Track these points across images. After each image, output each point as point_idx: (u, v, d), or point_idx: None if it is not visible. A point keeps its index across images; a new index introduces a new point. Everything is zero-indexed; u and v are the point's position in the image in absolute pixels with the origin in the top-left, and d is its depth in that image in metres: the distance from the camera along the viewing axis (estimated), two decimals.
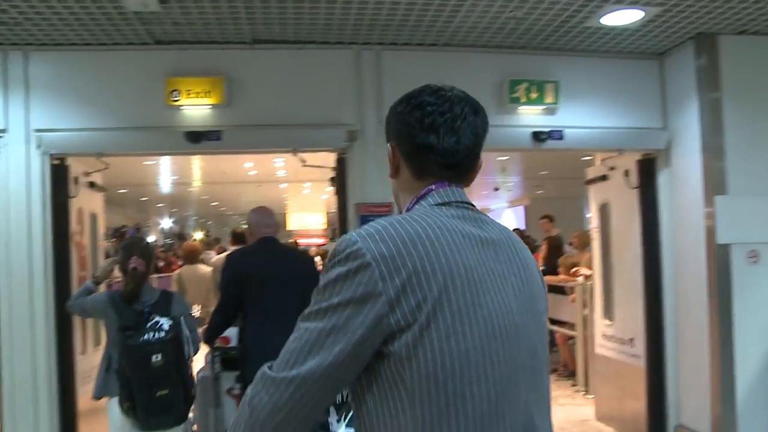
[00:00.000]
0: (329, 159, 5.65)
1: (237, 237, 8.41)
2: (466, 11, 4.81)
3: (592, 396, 7.25)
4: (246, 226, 4.74)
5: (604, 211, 6.64)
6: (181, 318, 3.81)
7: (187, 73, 5.24)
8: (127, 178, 14.73)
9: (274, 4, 4.61)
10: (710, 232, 5.32)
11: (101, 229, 6.34)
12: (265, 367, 1.35)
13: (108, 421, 3.93)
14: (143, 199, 22.61)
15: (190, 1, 4.50)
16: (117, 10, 4.58)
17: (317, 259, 8.63)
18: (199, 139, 5.21)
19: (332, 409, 2.10)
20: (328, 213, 21.70)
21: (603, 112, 5.73)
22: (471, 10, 4.78)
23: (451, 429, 1.28)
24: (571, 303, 8.26)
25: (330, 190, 5.77)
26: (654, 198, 5.86)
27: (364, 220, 5.15)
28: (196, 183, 17.81)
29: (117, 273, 4.16)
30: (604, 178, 6.48)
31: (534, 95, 5.55)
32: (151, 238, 26.65)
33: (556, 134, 5.60)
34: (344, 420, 1.67)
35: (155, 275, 13.68)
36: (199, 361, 4.88)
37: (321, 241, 22.28)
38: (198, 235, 26.88)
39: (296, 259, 4.69)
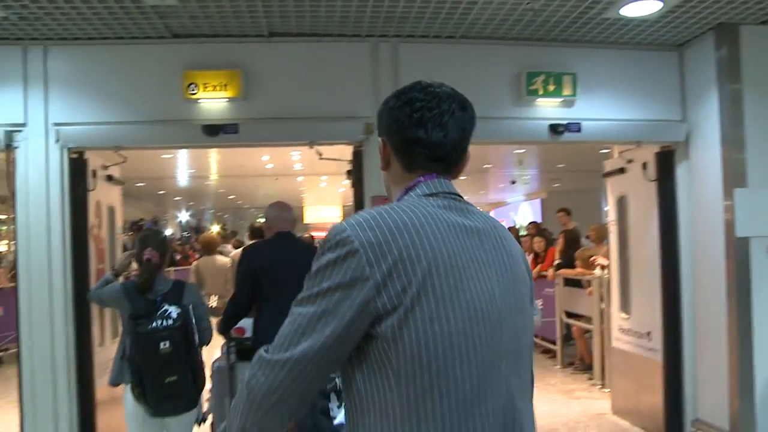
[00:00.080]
0: (346, 152, 5.66)
1: (255, 231, 8.45)
2: (483, 3, 4.79)
3: (609, 390, 7.23)
4: (263, 221, 4.78)
5: (621, 204, 6.60)
6: (190, 306, 3.88)
7: (204, 67, 5.26)
8: (144, 172, 14.84)
9: None
10: (729, 225, 5.27)
11: (119, 223, 6.39)
12: (261, 350, 1.43)
13: (124, 408, 4.02)
14: (161, 192, 22.73)
15: None
16: (135, 4, 4.61)
17: None
18: (216, 132, 5.23)
19: (333, 395, 2.10)
20: (344, 206, 21.72)
21: (621, 104, 5.69)
22: (488, 1, 4.76)
23: (434, 408, 1.36)
24: (588, 296, 8.23)
25: (347, 183, 5.77)
26: (672, 191, 5.81)
27: None
28: (213, 176, 17.89)
29: (135, 265, 4.25)
30: (621, 170, 6.43)
31: (551, 87, 5.52)
32: (168, 232, 26.82)
33: (573, 127, 5.57)
34: (344, 406, 1.68)
35: (172, 268, 13.80)
36: (215, 351, 4.94)
37: None
38: (215, 228, 27.00)
39: (311, 253, 4.71)
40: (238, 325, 4.58)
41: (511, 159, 15.67)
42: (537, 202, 24.25)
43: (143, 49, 5.30)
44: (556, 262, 9.40)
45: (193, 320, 3.86)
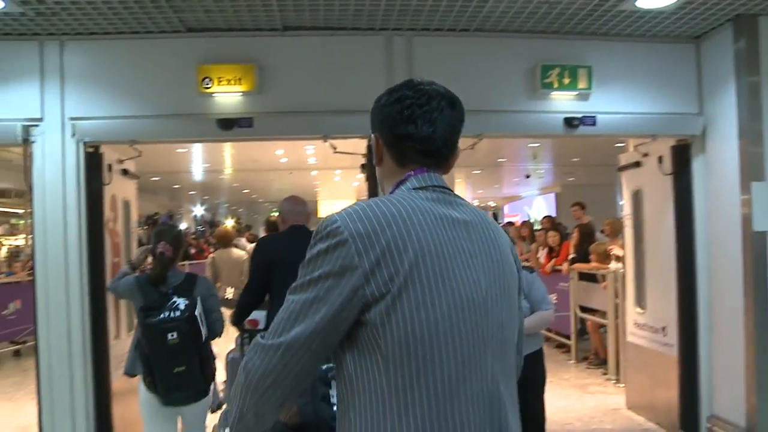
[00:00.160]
0: (360, 146, 5.65)
1: (270, 225, 8.50)
2: None
3: (623, 385, 7.20)
4: (278, 214, 4.82)
5: (637, 198, 6.56)
6: (198, 299, 3.93)
7: (218, 61, 5.27)
8: (159, 166, 14.92)
9: None
10: (746, 220, 5.22)
11: (134, 217, 6.43)
12: (258, 337, 1.53)
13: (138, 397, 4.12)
14: (175, 186, 22.87)
15: None
16: None
17: None
18: (230, 126, 5.25)
19: (333, 383, 2.10)
20: (358, 200, 21.71)
21: (637, 98, 5.64)
22: None
23: (421, 390, 1.44)
24: (602, 291, 8.20)
25: (361, 177, 5.77)
26: (688, 184, 5.76)
27: None
28: (228, 170, 17.96)
29: (151, 259, 4.33)
30: (637, 164, 6.39)
31: (567, 81, 5.49)
32: (183, 226, 26.97)
33: (588, 120, 5.53)
34: (336, 389, 1.70)
35: (187, 262, 13.88)
36: (231, 344, 4.97)
37: None
38: (229, 222, 27.12)
39: None
40: (252, 317, 4.62)
41: (526, 153, 15.63)
42: (551, 196, 24.18)
43: (158, 43, 5.32)
44: (571, 256, 9.36)
45: (202, 312, 3.92)
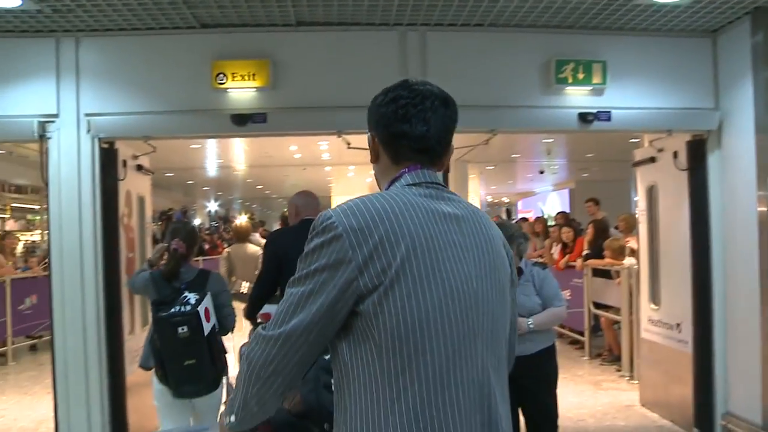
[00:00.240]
0: None
1: (285, 220, 8.53)
2: None
3: (637, 381, 7.17)
4: (288, 208, 4.85)
5: (651, 193, 6.52)
6: (209, 294, 4.02)
7: (232, 56, 5.28)
8: (173, 162, 14.98)
9: None
10: (763, 216, 5.17)
11: (148, 212, 6.47)
12: (259, 328, 1.61)
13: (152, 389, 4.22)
14: (189, 182, 22.96)
15: None
16: None
17: None
18: (244, 121, 5.26)
19: None
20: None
21: (652, 93, 5.60)
22: None
23: (413, 378, 1.50)
24: (616, 287, 8.16)
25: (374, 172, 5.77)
26: (704, 180, 5.72)
27: None
28: (242, 166, 18.00)
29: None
30: (652, 159, 6.35)
31: (581, 76, 5.46)
32: (196, 221, 27.09)
33: (603, 115, 5.50)
34: (333, 376, 1.77)
35: (200, 258, 13.95)
36: (243, 337, 5.01)
37: None
38: (243, 218, 27.20)
39: None
40: (265, 310, 4.64)
41: (540, 148, 15.56)
42: (565, 192, 24.09)
43: (172, 39, 5.34)
44: (585, 252, 9.32)
45: (210, 307, 4.01)
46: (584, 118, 5.48)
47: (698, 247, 5.72)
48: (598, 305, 8.75)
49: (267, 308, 4.64)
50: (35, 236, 17.46)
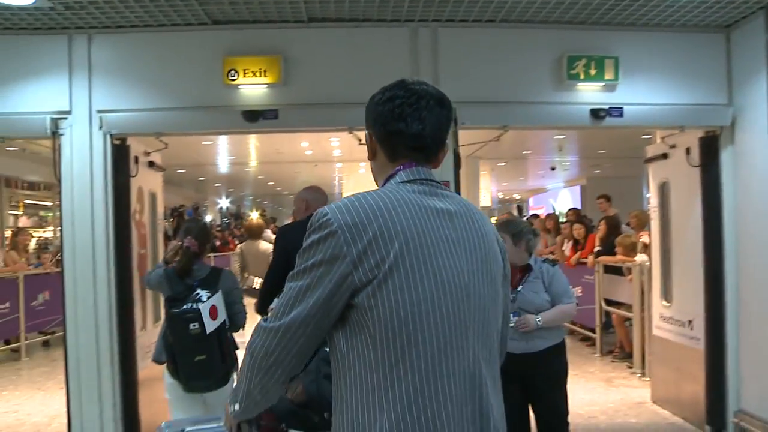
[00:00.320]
0: None
1: None
2: None
3: (649, 378, 7.15)
4: (296, 203, 4.88)
5: (663, 190, 6.48)
6: (220, 292, 4.11)
7: (244, 53, 5.29)
8: (185, 158, 15.02)
9: None
10: None
11: (160, 209, 6.49)
12: (261, 320, 1.70)
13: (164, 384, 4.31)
14: (201, 179, 23.02)
15: None
16: None
17: None
18: (256, 118, 5.27)
19: None
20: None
21: (664, 88, 5.57)
22: None
23: (406, 368, 1.56)
24: (628, 284, 8.14)
25: None
26: (717, 177, 5.68)
27: None
28: (253, 163, 18.03)
29: None
30: (664, 156, 6.31)
31: (593, 71, 5.43)
32: (208, 218, 27.18)
33: (615, 111, 5.47)
34: (331, 366, 1.84)
35: (212, 254, 14.00)
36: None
37: None
38: (254, 215, 27.26)
39: None
40: (275, 305, 4.67)
41: (551, 145, 15.50)
42: (577, 188, 24.00)
43: (184, 36, 5.35)
44: (597, 248, 9.29)
45: (221, 304, 4.10)
46: (596, 114, 5.46)
47: (711, 243, 5.68)
48: (609, 302, 8.72)
49: (277, 302, 4.68)
50: (48, 233, 17.57)
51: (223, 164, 18.34)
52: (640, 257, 7.93)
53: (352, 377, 1.62)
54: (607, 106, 5.47)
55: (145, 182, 5.89)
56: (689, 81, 5.58)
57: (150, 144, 5.84)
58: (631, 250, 8.38)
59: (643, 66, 5.54)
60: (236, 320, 4.28)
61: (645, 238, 7.90)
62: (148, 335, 5.67)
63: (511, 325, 4.11)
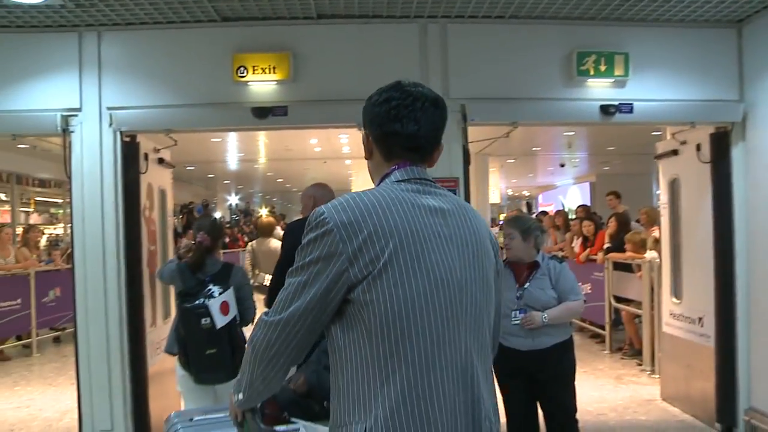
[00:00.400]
0: None
1: None
2: None
3: (658, 376, 7.12)
4: (303, 199, 4.91)
5: (674, 186, 6.45)
6: (231, 288, 4.22)
7: (253, 50, 5.29)
8: (194, 155, 15.06)
9: None
10: None
11: (170, 205, 6.51)
12: (262, 314, 1.78)
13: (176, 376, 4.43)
14: (210, 176, 23.08)
15: None
16: None
17: None
18: (265, 114, 5.28)
19: None
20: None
21: (675, 84, 5.54)
22: None
23: (400, 360, 1.63)
24: (638, 280, 8.11)
25: None
26: (727, 173, 5.64)
27: None
28: (262, 160, 18.06)
29: None
30: (674, 152, 6.28)
31: (603, 67, 5.40)
32: (217, 215, 27.22)
33: (625, 107, 5.45)
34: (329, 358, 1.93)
35: (221, 251, 14.05)
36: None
37: None
38: (264, 211, 27.30)
39: None
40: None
41: (561, 141, 15.47)
42: (586, 185, 23.92)
43: (193, 32, 5.36)
44: (606, 245, 9.26)
45: (232, 300, 4.20)
46: (606, 110, 5.44)
47: (721, 240, 5.65)
48: (619, 299, 8.70)
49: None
50: (58, 229, 17.64)
51: (233, 161, 18.38)
52: (650, 254, 7.91)
53: (348, 369, 1.69)
54: (617, 103, 5.45)
55: (155, 179, 5.91)
56: (700, 77, 5.55)
57: (159, 141, 5.86)
58: (641, 246, 8.35)
59: (653, 62, 5.51)
60: (246, 315, 4.37)
61: (656, 233, 7.87)
62: (158, 331, 5.69)
63: (517, 322, 4.12)
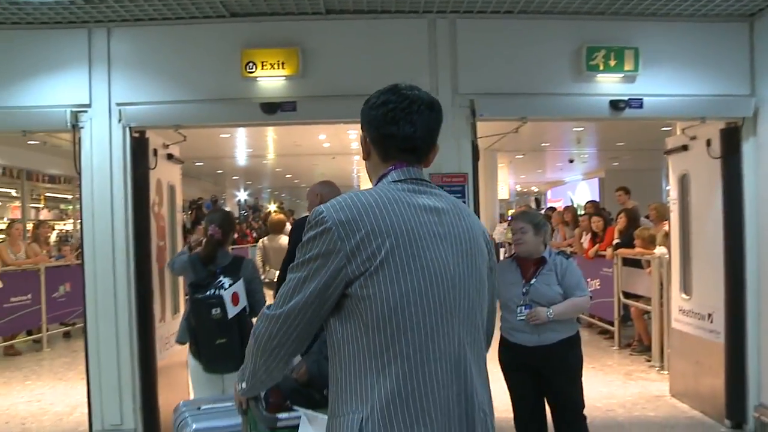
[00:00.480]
0: None
1: None
2: None
3: (667, 372, 7.09)
4: (310, 196, 4.95)
5: (683, 182, 6.42)
6: (241, 280, 4.30)
7: (262, 45, 5.30)
8: (203, 151, 15.10)
9: None
10: None
11: (179, 201, 6.52)
12: (264, 308, 1.85)
13: (188, 365, 4.54)
14: (219, 171, 23.13)
15: None
16: None
17: None
18: (274, 110, 5.28)
19: None
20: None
21: (685, 79, 5.50)
22: None
23: (395, 353, 1.69)
24: (647, 276, 8.08)
25: None
26: (738, 168, 5.61)
27: None
28: (271, 155, 18.09)
29: None
30: (684, 148, 6.25)
31: (612, 63, 5.38)
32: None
33: (635, 103, 5.42)
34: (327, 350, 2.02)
35: (230, 247, 14.10)
36: None
37: None
38: (272, 207, 27.33)
39: None
40: None
41: (570, 137, 15.43)
42: (595, 181, 23.86)
43: (202, 28, 5.37)
44: (615, 241, 9.23)
45: (242, 291, 4.29)
46: (616, 105, 5.41)
47: (731, 236, 5.62)
48: (628, 295, 8.67)
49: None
50: (68, 225, 17.74)
51: (241, 157, 18.42)
52: (659, 250, 7.88)
53: (346, 361, 1.75)
54: (626, 98, 5.41)
55: (164, 175, 5.93)
56: (711, 71, 5.52)
57: (169, 136, 5.87)
58: (650, 242, 8.31)
59: (663, 57, 5.48)
60: (257, 307, 4.40)
61: (666, 229, 7.83)
62: (167, 326, 5.71)
63: (522, 317, 4.13)
